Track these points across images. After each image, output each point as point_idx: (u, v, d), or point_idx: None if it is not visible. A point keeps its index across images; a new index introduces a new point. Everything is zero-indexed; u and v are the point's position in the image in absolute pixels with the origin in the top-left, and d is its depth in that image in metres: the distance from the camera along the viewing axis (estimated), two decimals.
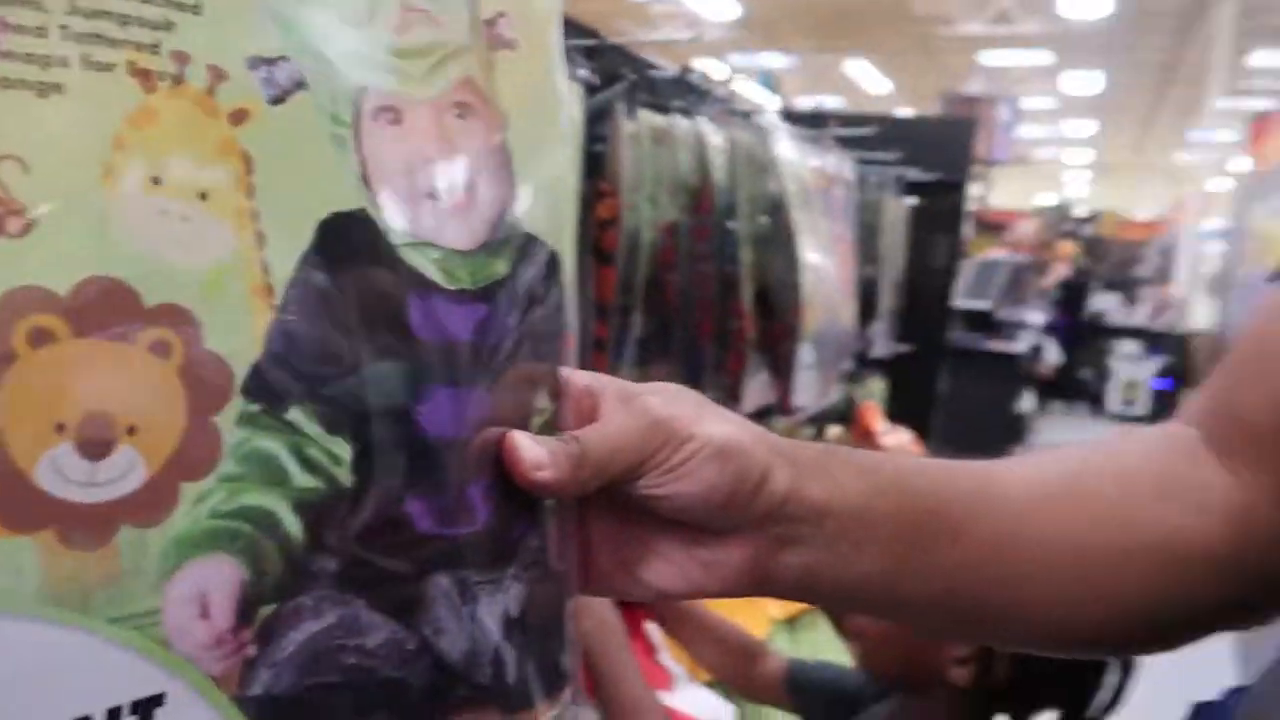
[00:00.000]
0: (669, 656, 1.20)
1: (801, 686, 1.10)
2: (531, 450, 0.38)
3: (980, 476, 0.49)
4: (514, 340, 0.37)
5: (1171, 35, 14.13)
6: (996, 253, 6.03)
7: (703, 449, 0.41)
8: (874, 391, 2.40)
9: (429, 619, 0.34)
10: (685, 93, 1.45)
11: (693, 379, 1.34)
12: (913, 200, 2.61)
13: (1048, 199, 13.13)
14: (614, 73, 1.22)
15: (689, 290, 1.34)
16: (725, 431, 0.41)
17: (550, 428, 0.39)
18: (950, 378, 2.94)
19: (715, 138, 1.43)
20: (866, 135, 2.14)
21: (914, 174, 2.56)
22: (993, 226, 8.10)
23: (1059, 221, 9.83)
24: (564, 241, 0.40)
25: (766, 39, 15.23)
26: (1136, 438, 0.50)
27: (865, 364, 2.28)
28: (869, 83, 15.67)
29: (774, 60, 16.49)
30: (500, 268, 0.37)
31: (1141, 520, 0.46)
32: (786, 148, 1.47)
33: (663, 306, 1.32)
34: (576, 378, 0.42)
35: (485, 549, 0.36)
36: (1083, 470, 0.49)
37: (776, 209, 1.39)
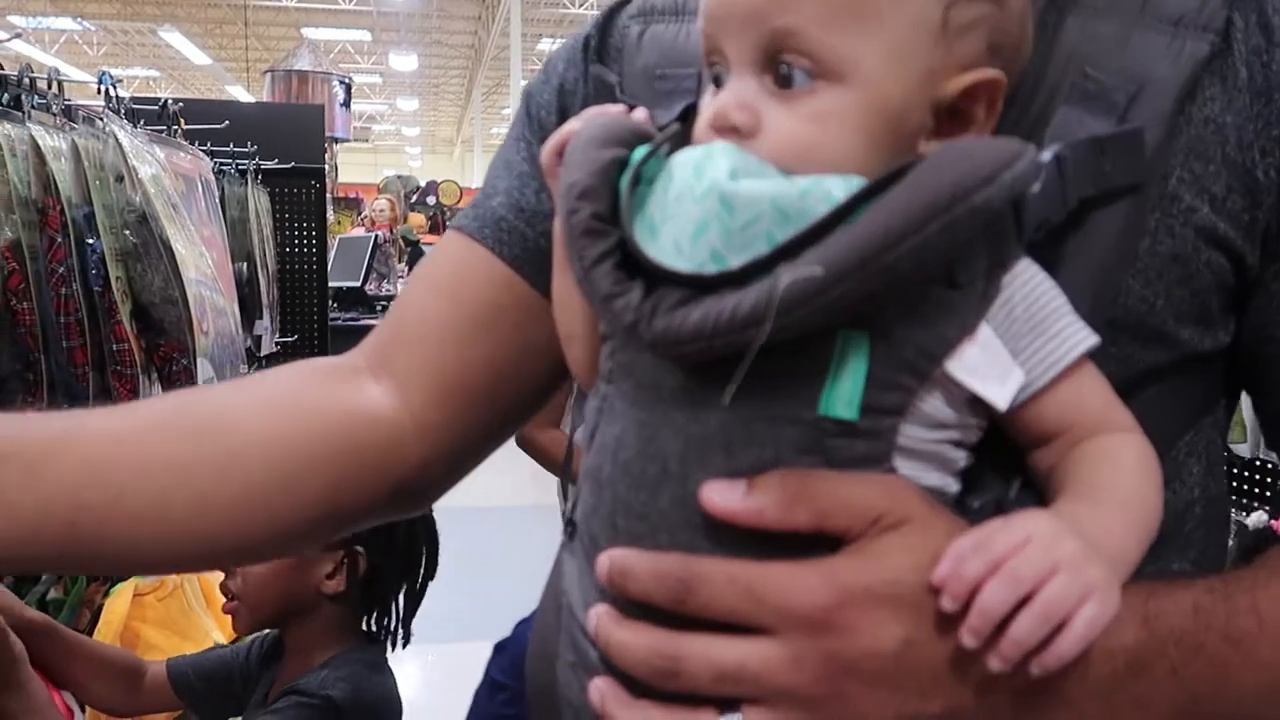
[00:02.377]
0: None
1: (189, 682, 1.09)
2: None
3: (79, 418, 0.52)
4: None
5: (472, 21, 15.75)
6: (356, 231, 6.21)
7: None
8: None
9: None
10: None
11: None
12: (270, 189, 2.60)
13: (392, 173, 13.80)
14: None
15: (52, 316, 1.19)
16: None
17: None
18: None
19: (53, 143, 1.27)
20: (219, 129, 2.08)
21: (270, 164, 2.55)
22: (349, 202, 8.30)
23: (407, 193, 10.42)
24: None
25: (55, 3, 13.22)
26: (279, 371, 0.58)
27: (255, 361, 2.24)
28: (191, 53, 14.60)
29: (64, 24, 14.37)
30: None
31: (261, 430, 0.52)
32: (141, 153, 1.37)
33: (18, 338, 1.16)
34: None
35: None
36: (213, 400, 0.56)
37: (142, 221, 1.30)
